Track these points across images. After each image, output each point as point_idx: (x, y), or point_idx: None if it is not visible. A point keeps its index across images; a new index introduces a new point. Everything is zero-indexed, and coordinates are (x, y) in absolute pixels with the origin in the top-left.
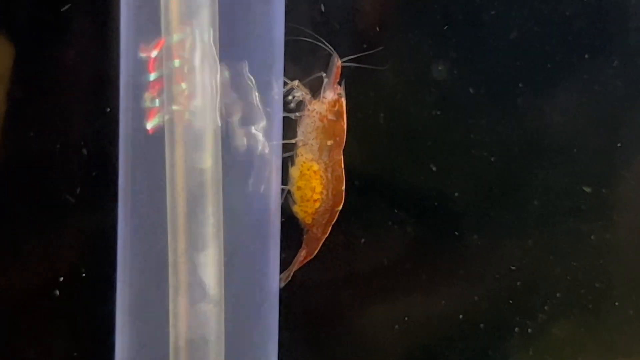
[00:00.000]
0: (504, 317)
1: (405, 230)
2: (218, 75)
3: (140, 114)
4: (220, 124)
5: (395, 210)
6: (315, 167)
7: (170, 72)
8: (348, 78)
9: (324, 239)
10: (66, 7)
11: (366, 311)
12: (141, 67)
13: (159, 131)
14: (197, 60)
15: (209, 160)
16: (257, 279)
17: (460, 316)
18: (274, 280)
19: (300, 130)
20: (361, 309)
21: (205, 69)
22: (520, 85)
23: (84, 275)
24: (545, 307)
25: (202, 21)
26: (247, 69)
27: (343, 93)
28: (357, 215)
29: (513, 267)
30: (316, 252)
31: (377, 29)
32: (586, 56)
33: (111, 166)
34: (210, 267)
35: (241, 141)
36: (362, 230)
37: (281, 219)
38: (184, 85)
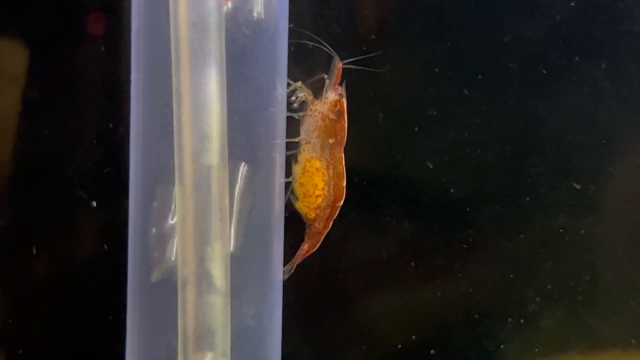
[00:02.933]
0: (497, 308)
1: (402, 225)
2: None
3: (149, 114)
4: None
5: (393, 206)
6: (318, 164)
7: None
8: (349, 79)
9: (325, 233)
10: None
11: (365, 302)
12: (150, 67)
13: None
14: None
15: (216, 157)
16: (261, 271)
17: (456, 307)
18: (278, 273)
19: (303, 129)
20: (361, 299)
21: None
22: (513, 86)
23: (96, 266)
24: (537, 299)
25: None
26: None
27: (344, 93)
28: (357, 211)
29: (506, 260)
30: (318, 245)
31: (376, 32)
32: (576, 58)
33: (122, 163)
34: (217, 260)
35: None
36: (362, 225)
37: (285, 214)
38: None
